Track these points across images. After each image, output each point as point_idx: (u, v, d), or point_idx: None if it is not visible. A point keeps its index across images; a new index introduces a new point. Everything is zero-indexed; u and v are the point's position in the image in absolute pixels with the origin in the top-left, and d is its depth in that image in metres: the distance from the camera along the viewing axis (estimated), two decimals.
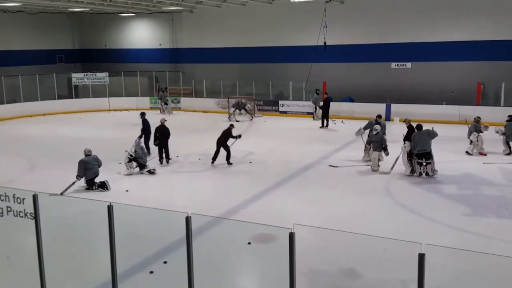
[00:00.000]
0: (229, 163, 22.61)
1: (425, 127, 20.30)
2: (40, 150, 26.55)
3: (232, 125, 23.54)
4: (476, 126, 23.34)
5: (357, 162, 22.54)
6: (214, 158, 22.69)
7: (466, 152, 23.45)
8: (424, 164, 19.71)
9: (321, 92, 34.16)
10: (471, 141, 23.46)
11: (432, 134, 19.92)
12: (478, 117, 23.87)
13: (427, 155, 19.69)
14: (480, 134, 23.31)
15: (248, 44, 41.73)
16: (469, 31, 33.90)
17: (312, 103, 34.99)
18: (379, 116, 23.32)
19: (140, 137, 23.42)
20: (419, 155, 19.69)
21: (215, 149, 22.53)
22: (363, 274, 11.92)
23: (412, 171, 20.05)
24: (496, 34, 33.15)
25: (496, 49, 33.25)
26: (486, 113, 30.67)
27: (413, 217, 15.91)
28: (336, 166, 21.84)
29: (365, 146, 22.43)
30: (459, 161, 22.37)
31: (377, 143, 20.99)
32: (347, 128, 30.20)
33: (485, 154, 23.23)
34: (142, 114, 25.11)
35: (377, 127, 21.38)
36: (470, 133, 23.42)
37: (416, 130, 20.07)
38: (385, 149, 21.23)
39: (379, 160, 21.56)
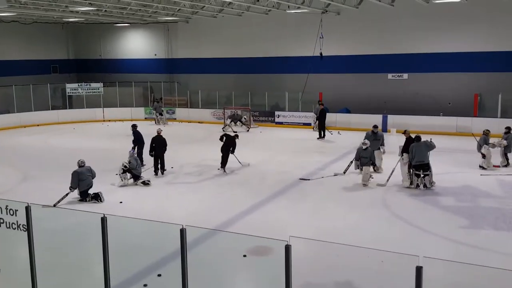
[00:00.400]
0: (221, 168, 23.11)
1: (423, 138, 20.19)
2: (33, 161, 26.42)
3: (237, 135, 24.22)
4: (486, 139, 22.94)
5: (333, 171, 22.65)
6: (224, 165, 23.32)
7: (481, 166, 22.88)
8: (422, 175, 19.60)
9: (323, 102, 33.87)
10: (483, 155, 22.95)
11: (430, 146, 19.81)
12: (487, 130, 23.36)
13: (425, 167, 19.58)
14: (490, 147, 23.07)
15: (244, 54, 41.67)
16: (466, 42, 33.87)
17: (314, 114, 34.65)
18: (375, 127, 23.16)
19: (134, 148, 23.35)
20: (417, 166, 19.57)
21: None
22: (359, 287, 11.77)
23: (411, 183, 19.95)
24: (493, 45, 33.13)
25: (493, 60, 33.24)
26: (483, 124, 30.58)
27: (410, 229, 15.82)
28: (308, 179, 21.64)
29: (353, 161, 22.02)
30: (456, 173, 22.28)
31: (366, 158, 20.73)
32: (343, 139, 30.17)
33: (498, 166, 23.05)
34: (134, 126, 25.09)
35: (366, 141, 21.13)
36: (480, 147, 22.95)
37: (414, 141, 19.94)
38: (373, 164, 21.09)
39: (374, 171, 21.51)
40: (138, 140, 24.42)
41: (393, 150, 22.86)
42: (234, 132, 32.04)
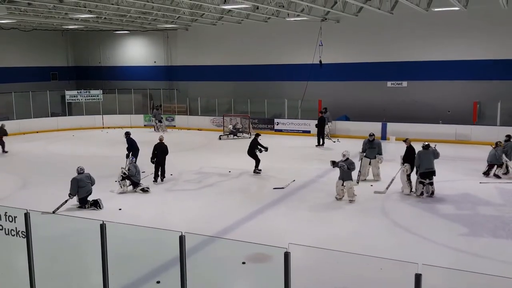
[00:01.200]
0: (255, 171, 24.02)
1: (420, 146, 20.17)
2: (32, 168, 26.42)
3: (257, 134, 25.13)
4: (503, 150, 22.87)
5: (332, 179, 22.26)
6: (256, 167, 24.18)
7: (496, 175, 22.69)
8: (427, 182, 19.55)
9: (328, 110, 33.80)
10: (493, 165, 22.81)
11: (437, 154, 19.79)
12: (500, 142, 23.28)
13: (432, 174, 19.55)
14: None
15: (243, 62, 41.74)
16: (466, 50, 33.94)
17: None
18: (371, 135, 22.94)
19: (127, 156, 23.57)
20: (424, 174, 19.49)
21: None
22: None
23: (411, 191, 19.93)
24: (492, 53, 33.19)
25: (492, 68, 33.26)
26: (482, 132, 30.64)
27: (409, 237, 15.78)
28: (283, 187, 21.52)
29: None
30: (456, 181, 22.25)
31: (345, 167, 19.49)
32: (342, 147, 29.99)
33: None
34: (127, 134, 25.25)
35: (345, 152, 19.62)
36: (499, 157, 22.66)
37: (422, 149, 19.75)
38: (350, 170, 19.33)
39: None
40: (132, 147, 24.54)
41: (392, 158, 22.85)
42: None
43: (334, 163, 19.69)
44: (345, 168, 19.19)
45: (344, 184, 19.29)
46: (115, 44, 49.11)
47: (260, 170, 24.12)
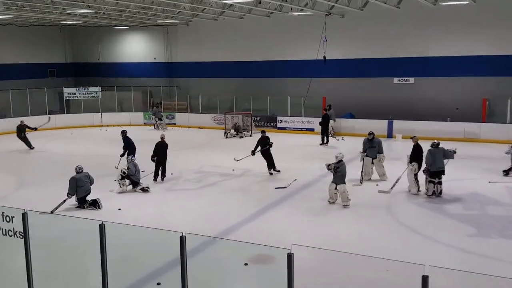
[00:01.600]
0: (270, 172, 23.62)
1: (428, 144, 19.92)
2: (30, 167, 26.62)
3: (263, 131, 25.09)
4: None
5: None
6: (270, 167, 23.72)
7: None
8: (436, 182, 19.25)
9: (332, 107, 33.61)
10: None
11: (449, 155, 19.53)
12: None
13: (441, 173, 19.29)
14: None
15: (245, 58, 41.66)
16: (474, 45, 33.63)
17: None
18: (371, 133, 22.46)
19: (122, 155, 23.92)
20: (434, 173, 19.22)
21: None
22: None
23: (419, 190, 19.64)
24: (502, 48, 32.91)
25: (502, 64, 32.96)
26: (491, 130, 30.34)
27: (416, 238, 15.66)
28: (285, 187, 21.34)
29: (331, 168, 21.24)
30: (464, 180, 22.03)
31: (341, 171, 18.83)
32: (347, 145, 29.87)
33: None
34: (123, 133, 25.27)
35: (338, 154, 18.89)
36: None
37: (432, 147, 19.46)
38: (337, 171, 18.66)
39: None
40: (128, 145, 24.54)
41: (399, 157, 22.59)
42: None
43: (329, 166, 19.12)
44: (331, 170, 18.77)
45: (337, 188, 18.73)
46: (114, 40, 49.02)
47: (276, 170, 23.78)
